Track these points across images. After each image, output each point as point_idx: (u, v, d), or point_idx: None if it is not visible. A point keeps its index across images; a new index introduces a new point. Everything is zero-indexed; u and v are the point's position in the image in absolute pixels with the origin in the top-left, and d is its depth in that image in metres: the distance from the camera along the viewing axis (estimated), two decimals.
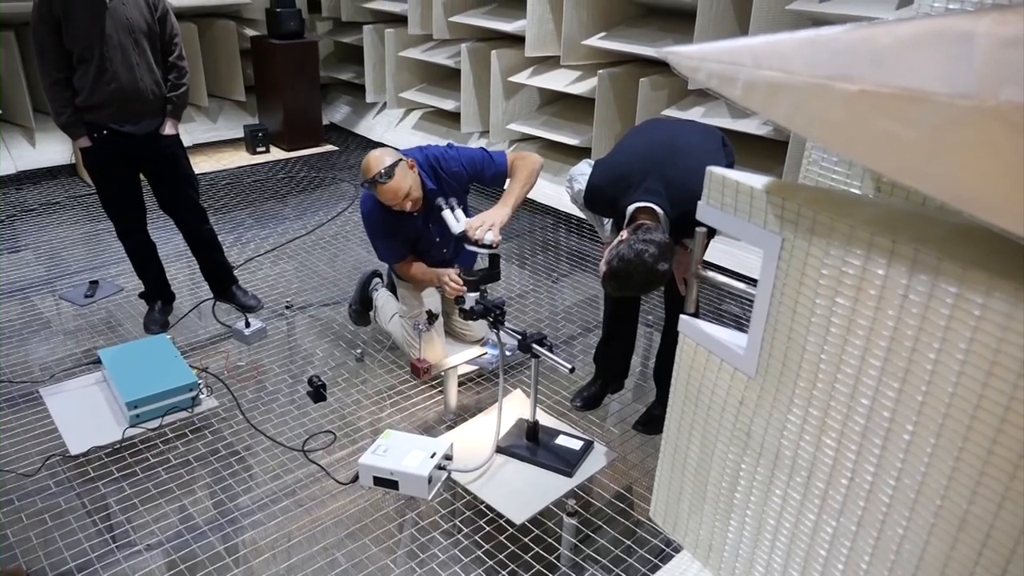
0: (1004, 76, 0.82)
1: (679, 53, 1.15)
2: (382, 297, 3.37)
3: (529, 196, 4.67)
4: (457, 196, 2.92)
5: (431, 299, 3.14)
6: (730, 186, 1.35)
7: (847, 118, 0.98)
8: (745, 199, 1.33)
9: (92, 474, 2.57)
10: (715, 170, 1.39)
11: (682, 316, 1.60)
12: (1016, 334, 0.98)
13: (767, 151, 3.95)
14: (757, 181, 1.32)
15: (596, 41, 4.51)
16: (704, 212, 1.44)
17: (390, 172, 2.72)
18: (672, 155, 2.34)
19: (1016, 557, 1.05)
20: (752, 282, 1.42)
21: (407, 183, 2.76)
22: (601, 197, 2.46)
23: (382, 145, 3.21)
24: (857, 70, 0.95)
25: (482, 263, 2.83)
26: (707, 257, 2.53)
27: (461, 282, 2.82)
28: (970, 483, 1.08)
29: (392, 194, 2.75)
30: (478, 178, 2.98)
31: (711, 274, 1.69)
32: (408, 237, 3.00)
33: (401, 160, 2.77)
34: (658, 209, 2.27)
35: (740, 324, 3.49)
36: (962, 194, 0.88)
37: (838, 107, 0.98)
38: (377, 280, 3.46)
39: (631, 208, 2.30)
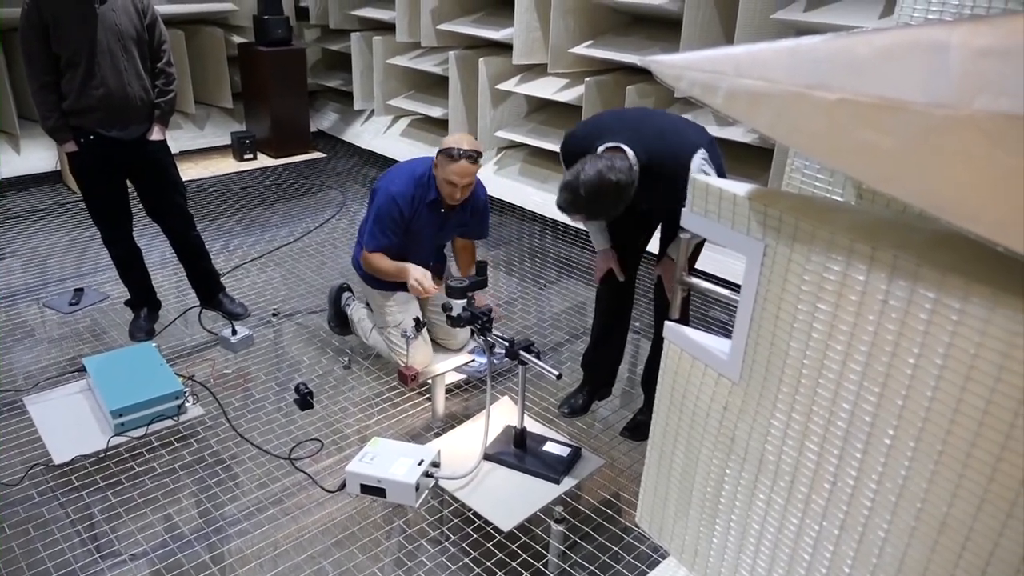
0: (979, 85, 0.83)
1: (662, 62, 1.17)
2: (358, 312, 3.35)
3: (516, 203, 4.73)
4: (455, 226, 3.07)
5: (408, 307, 3.13)
6: (713, 193, 1.37)
7: (827, 127, 0.99)
8: (728, 206, 1.34)
9: (76, 483, 2.55)
10: (699, 177, 1.41)
11: (667, 322, 1.61)
12: (993, 338, 1.00)
13: (754, 158, 3.98)
14: (740, 188, 1.34)
15: (583, 49, 4.54)
16: (688, 219, 1.45)
17: (478, 156, 2.83)
18: (649, 119, 2.56)
19: (995, 559, 1.06)
20: (736, 288, 1.43)
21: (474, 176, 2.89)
22: (576, 145, 2.52)
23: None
24: (836, 79, 0.97)
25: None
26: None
27: (430, 285, 2.88)
28: (950, 486, 1.09)
29: (464, 174, 2.79)
30: (469, 224, 3.14)
31: (695, 280, 1.70)
32: (405, 231, 3.01)
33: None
34: (627, 149, 2.34)
35: (727, 330, 3.51)
36: (939, 201, 0.90)
37: (818, 116, 0.99)
38: (348, 294, 3.44)
39: (600, 149, 2.38)
